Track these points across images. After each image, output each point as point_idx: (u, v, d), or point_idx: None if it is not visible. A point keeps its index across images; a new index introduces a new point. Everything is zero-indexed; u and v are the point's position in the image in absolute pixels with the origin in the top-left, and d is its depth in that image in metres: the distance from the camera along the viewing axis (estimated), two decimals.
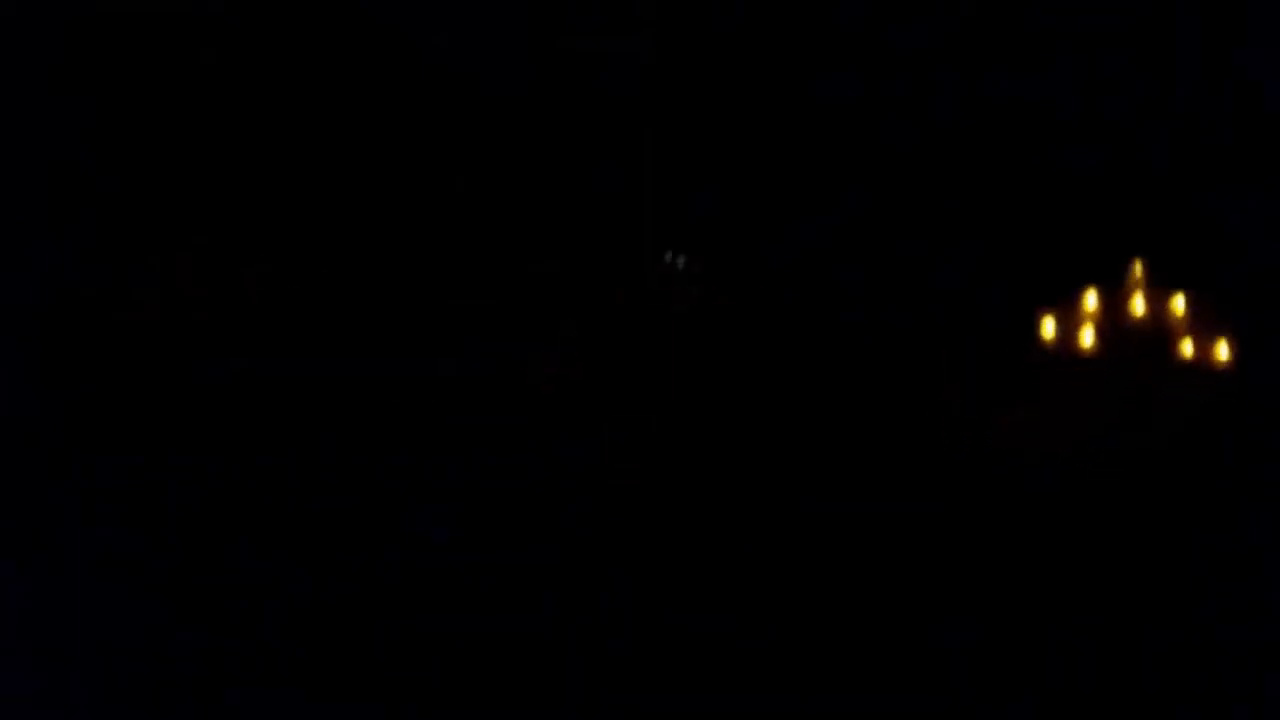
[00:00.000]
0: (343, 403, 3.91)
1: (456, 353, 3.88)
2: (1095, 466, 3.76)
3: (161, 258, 3.83)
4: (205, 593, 3.81)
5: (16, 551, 3.77)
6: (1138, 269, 3.76)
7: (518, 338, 3.87)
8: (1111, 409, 3.76)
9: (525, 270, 3.86)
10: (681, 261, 3.79)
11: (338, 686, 3.77)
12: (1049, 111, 3.62)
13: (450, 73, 3.78)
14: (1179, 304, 3.74)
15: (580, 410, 3.86)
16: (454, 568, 3.83)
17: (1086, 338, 3.73)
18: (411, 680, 3.77)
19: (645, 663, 3.75)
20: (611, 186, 3.75)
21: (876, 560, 3.78)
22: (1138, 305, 3.75)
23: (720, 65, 3.63)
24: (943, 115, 3.61)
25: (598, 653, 3.75)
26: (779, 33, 3.61)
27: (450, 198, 3.83)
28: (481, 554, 3.84)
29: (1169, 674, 3.63)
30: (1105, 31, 3.60)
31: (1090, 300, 3.75)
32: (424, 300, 3.87)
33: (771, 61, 3.63)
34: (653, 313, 3.84)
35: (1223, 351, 3.71)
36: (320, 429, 3.91)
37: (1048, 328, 3.72)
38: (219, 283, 3.84)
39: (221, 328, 3.88)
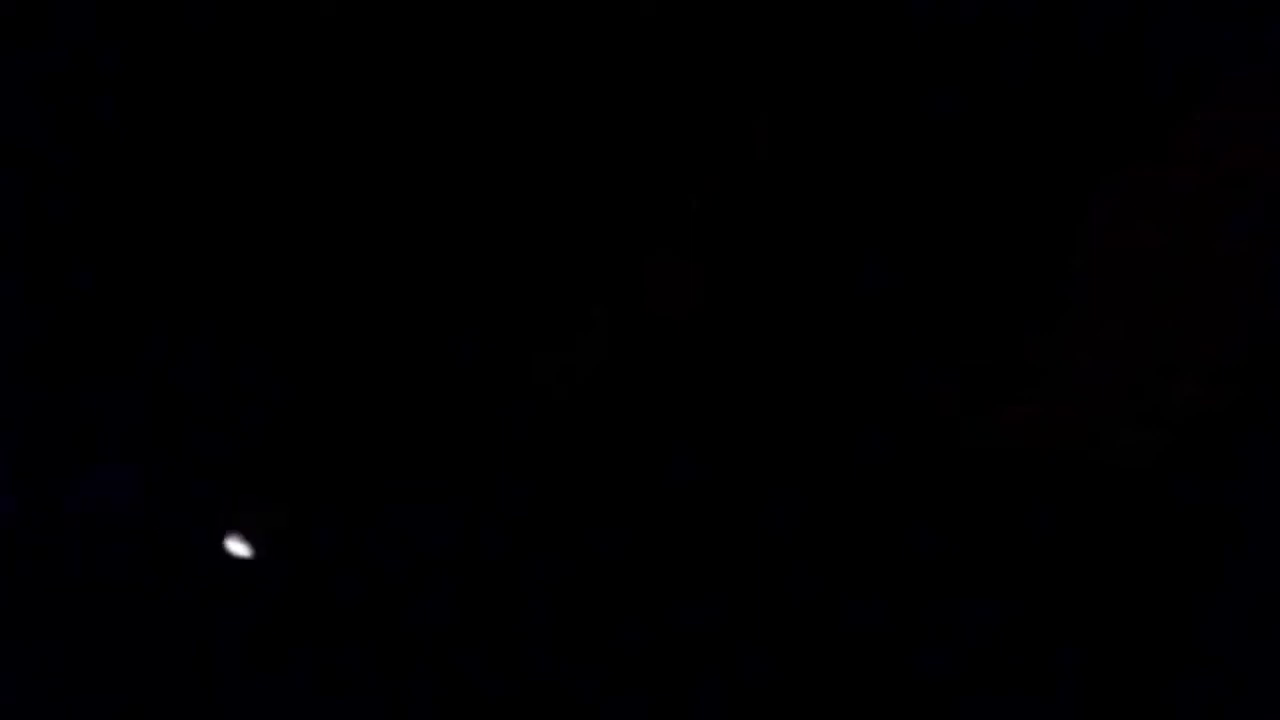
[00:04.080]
0: (350, 402, 3.91)
1: (463, 353, 3.89)
2: (1102, 462, 3.76)
3: (159, 255, 3.84)
4: (200, 592, 3.81)
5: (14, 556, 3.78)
6: None
7: (526, 339, 3.88)
8: (1120, 404, 3.77)
9: (531, 271, 3.86)
10: (680, 261, 3.79)
11: (341, 685, 3.78)
12: (1046, 112, 3.62)
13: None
14: None
15: (590, 409, 3.87)
16: (454, 569, 3.84)
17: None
18: (414, 680, 3.78)
19: (646, 661, 3.75)
20: (611, 186, 3.75)
21: (877, 559, 3.79)
22: None
23: (718, 63, 3.64)
24: (945, 114, 3.62)
25: (596, 653, 3.76)
26: (776, 30, 3.61)
27: (453, 197, 3.83)
28: (481, 555, 3.85)
29: (1174, 674, 3.64)
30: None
31: None
32: (424, 299, 3.88)
33: (770, 59, 3.64)
34: (653, 314, 3.85)
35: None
36: (331, 428, 3.91)
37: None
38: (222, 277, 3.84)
39: (223, 323, 3.88)
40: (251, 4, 3.50)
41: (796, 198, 3.70)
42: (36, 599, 3.76)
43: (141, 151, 3.67)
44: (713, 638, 3.73)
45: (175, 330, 3.79)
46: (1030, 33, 3.43)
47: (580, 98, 3.60)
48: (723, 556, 3.78)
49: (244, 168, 3.71)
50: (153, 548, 3.80)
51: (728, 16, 3.51)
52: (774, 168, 3.66)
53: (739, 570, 3.77)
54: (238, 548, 3.75)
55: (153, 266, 3.77)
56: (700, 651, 3.73)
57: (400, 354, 3.86)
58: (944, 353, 3.81)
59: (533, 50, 3.52)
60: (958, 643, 3.70)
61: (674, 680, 3.72)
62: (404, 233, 3.78)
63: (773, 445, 3.81)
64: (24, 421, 3.78)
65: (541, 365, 3.85)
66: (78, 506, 3.78)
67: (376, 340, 3.85)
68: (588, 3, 3.46)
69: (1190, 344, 3.71)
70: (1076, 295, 3.73)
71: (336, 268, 3.81)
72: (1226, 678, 3.59)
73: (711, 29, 3.52)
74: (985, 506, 3.76)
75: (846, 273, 3.73)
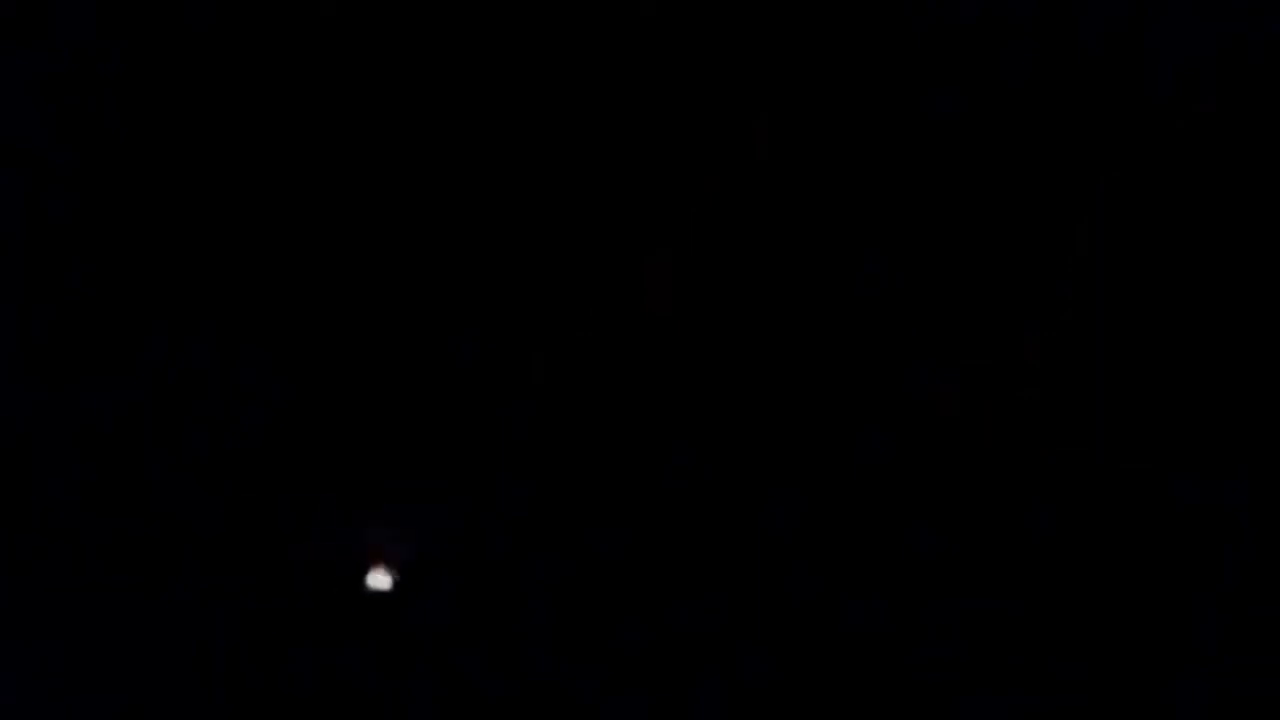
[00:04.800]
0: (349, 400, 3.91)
1: (463, 353, 3.88)
2: (1102, 462, 3.76)
3: (159, 254, 3.83)
4: (201, 592, 3.81)
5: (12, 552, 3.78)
6: None
7: (518, 339, 3.87)
8: (1118, 404, 3.76)
9: (531, 271, 3.86)
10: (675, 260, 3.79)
11: (341, 684, 3.78)
12: (1046, 112, 3.62)
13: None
14: None
15: (590, 409, 3.86)
16: (454, 569, 3.84)
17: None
18: (414, 680, 3.78)
19: (646, 661, 3.75)
20: (608, 186, 3.75)
21: (877, 559, 3.78)
22: None
23: (717, 63, 3.63)
24: (942, 114, 3.61)
25: (596, 653, 3.76)
26: (776, 30, 3.61)
27: (453, 197, 3.83)
28: (482, 555, 3.84)
29: (1174, 674, 3.64)
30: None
31: None
32: (422, 298, 3.87)
33: (770, 59, 3.64)
34: (653, 314, 3.84)
35: None
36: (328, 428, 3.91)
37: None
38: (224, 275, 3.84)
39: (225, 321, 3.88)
40: (252, 4, 3.50)
41: (796, 197, 3.69)
42: (37, 597, 3.75)
43: (142, 151, 3.67)
44: (713, 638, 3.73)
45: (175, 330, 3.78)
46: (1030, 33, 3.43)
47: (580, 97, 3.59)
48: (723, 556, 3.78)
49: (244, 167, 3.71)
50: (155, 548, 3.80)
51: (727, 16, 3.51)
52: (774, 168, 3.65)
53: (739, 570, 3.77)
54: (380, 580, 3.75)
55: (152, 266, 3.76)
56: (700, 651, 3.73)
57: (400, 354, 3.85)
58: (944, 353, 3.81)
59: (533, 50, 3.52)
60: (958, 643, 3.70)
61: (674, 680, 3.72)
62: (404, 232, 3.78)
63: (772, 445, 3.80)
64: (24, 421, 3.78)
65: (541, 365, 3.84)
66: (78, 505, 3.78)
67: (376, 340, 3.84)
68: (588, 3, 3.46)
69: (1189, 344, 3.71)
70: (1076, 295, 3.73)
71: (336, 267, 3.80)
72: (1226, 678, 3.59)
73: (711, 28, 3.52)
74: (985, 506, 3.76)
75: (846, 272, 3.73)
